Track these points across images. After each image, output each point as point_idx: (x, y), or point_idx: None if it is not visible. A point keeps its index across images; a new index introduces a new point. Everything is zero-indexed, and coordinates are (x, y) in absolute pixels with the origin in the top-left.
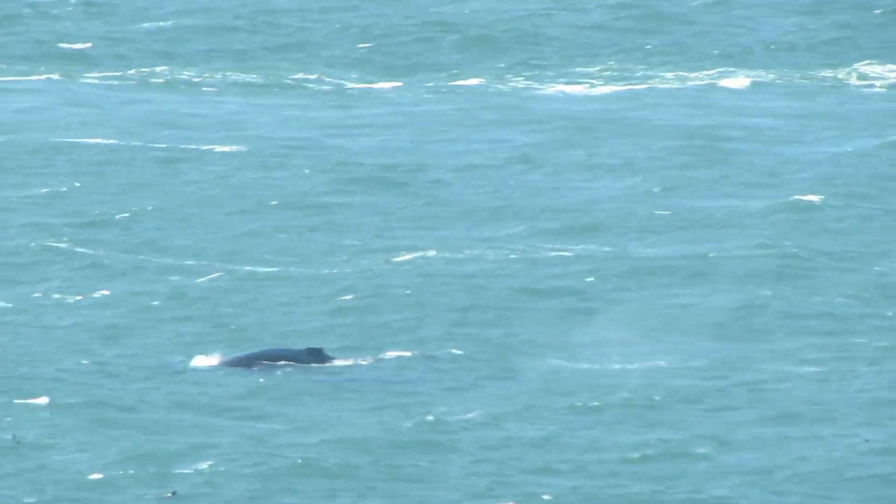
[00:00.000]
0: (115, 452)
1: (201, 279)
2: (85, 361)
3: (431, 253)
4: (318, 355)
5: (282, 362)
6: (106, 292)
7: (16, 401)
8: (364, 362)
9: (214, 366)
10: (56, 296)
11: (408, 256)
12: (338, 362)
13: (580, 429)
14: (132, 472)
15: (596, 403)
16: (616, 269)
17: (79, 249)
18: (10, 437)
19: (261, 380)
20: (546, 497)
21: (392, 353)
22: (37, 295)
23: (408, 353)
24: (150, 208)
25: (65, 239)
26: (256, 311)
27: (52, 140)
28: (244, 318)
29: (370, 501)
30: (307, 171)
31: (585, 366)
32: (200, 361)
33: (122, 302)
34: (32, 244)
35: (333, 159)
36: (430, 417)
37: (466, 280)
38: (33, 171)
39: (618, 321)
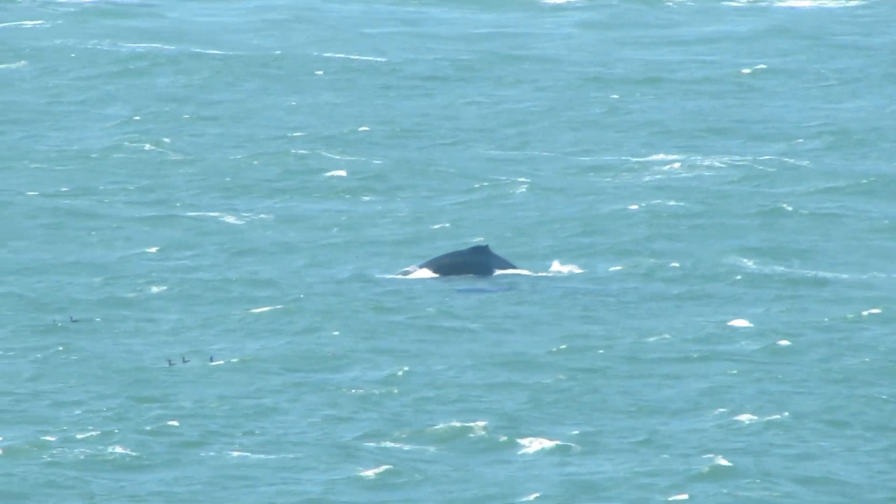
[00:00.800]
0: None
1: (405, 196)
2: (317, 274)
3: (662, 166)
4: (483, 252)
5: (459, 267)
6: (322, 208)
7: (236, 313)
8: (579, 271)
9: (409, 277)
10: (269, 210)
11: (638, 171)
12: (517, 269)
13: (831, 335)
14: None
15: (841, 316)
16: (857, 180)
17: (299, 159)
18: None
19: (456, 288)
20: (790, 412)
21: (615, 266)
22: (253, 210)
23: (619, 267)
24: (392, 129)
25: (300, 151)
26: (469, 223)
27: (312, 53)
28: (456, 230)
29: (606, 408)
30: (539, 82)
31: (815, 273)
32: (396, 273)
33: (331, 219)
34: (281, 153)
35: (562, 70)
36: (651, 337)
37: (695, 193)
38: (286, 83)
39: (863, 233)
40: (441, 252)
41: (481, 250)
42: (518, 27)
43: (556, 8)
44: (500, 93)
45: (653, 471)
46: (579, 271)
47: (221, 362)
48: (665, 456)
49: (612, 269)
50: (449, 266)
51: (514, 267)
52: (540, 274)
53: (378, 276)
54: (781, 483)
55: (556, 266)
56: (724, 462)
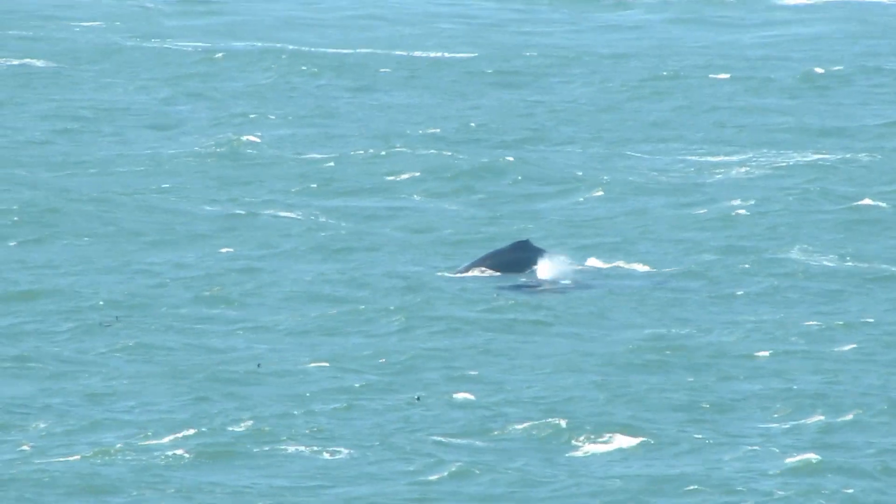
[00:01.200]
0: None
1: (476, 194)
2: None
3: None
4: (525, 247)
5: (503, 264)
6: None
7: (306, 313)
8: (639, 267)
9: (460, 276)
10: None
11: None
12: (556, 258)
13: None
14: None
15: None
16: None
17: (370, 158)
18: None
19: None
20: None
21: (682, 264)
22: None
23: (688, 266)
24: (472, 124)
25: (370, 150)
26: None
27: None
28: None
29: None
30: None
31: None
32: (454, 272)
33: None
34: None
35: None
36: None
37: (764, 191)
38: (357, 81)
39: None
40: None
41: (523, 245)
42: (578, 23)
43: (619, 5)
44: (567, 91)
45: (726, 470)
46: (644, 268)
47: (272, 366)
48: (737, 455)
49: (678, 267)
50: (493, 263)
51: (561, 261)
52: (594, 268)
53: (439, 274)
54: (860, 479)
55: (616, 262)
56: (800, 459)
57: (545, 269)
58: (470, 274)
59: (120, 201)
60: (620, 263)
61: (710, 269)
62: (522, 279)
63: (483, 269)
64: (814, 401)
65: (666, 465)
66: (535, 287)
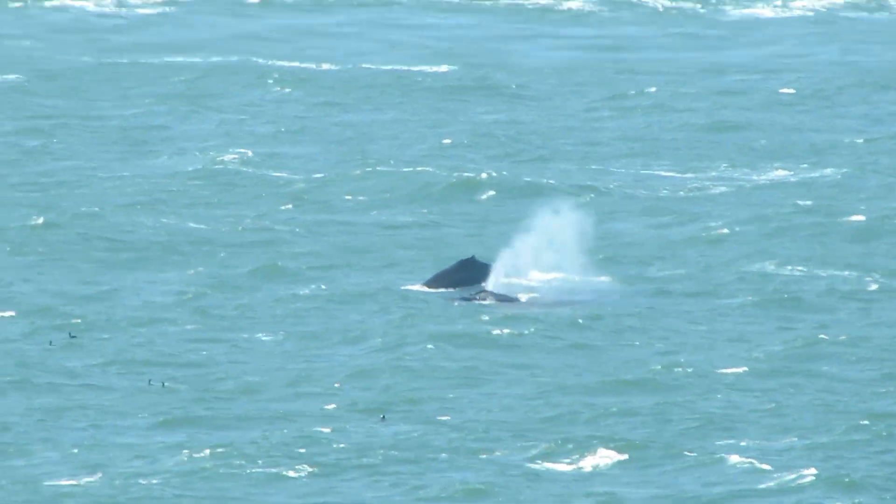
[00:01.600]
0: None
1: (456, 211)
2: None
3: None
4: (471, 265)
5: (454, 281)
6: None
7: (271, 328)
8: (609, 283)
9: (418, 289)
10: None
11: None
12: (499, 272)
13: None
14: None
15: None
16: None
17: (343, 176)
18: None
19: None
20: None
21: (646, 282)
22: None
23: (656, 284)
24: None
25: (352, 169)
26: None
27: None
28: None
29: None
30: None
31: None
32: (409, 285)
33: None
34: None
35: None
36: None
37: (738, 209)
38: (335, 97)
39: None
40: None
41: (469, 263)
42: (535, 39)
43: (572, 20)
44: (537, 107)
45: (711, 489)
46: (614, 284)
47: (245, 384)
48: (721, 473)
49: (650, 283)
50: (442, 284)
51: (509, 277)
52: (557, 286)
53: (404, 288)
54: (847, 494)
55: (585, 278)
56: (781, 479)
57: (494, 285)
58: (426, 289)
59: (88, 219)
60: (590, 279)
61: (682, 286)
62: (474, 295)
63: (433, 289)
64: (794, 417)
65: (649, 484)
66: (488, 304)
